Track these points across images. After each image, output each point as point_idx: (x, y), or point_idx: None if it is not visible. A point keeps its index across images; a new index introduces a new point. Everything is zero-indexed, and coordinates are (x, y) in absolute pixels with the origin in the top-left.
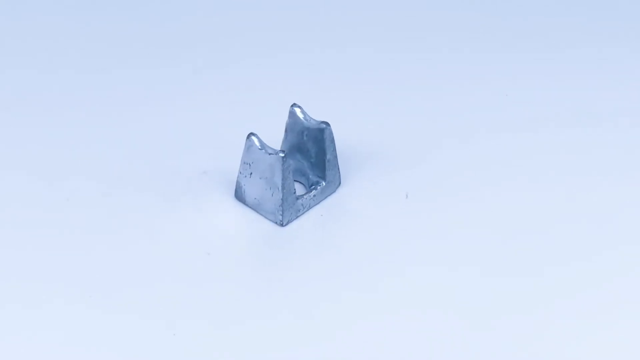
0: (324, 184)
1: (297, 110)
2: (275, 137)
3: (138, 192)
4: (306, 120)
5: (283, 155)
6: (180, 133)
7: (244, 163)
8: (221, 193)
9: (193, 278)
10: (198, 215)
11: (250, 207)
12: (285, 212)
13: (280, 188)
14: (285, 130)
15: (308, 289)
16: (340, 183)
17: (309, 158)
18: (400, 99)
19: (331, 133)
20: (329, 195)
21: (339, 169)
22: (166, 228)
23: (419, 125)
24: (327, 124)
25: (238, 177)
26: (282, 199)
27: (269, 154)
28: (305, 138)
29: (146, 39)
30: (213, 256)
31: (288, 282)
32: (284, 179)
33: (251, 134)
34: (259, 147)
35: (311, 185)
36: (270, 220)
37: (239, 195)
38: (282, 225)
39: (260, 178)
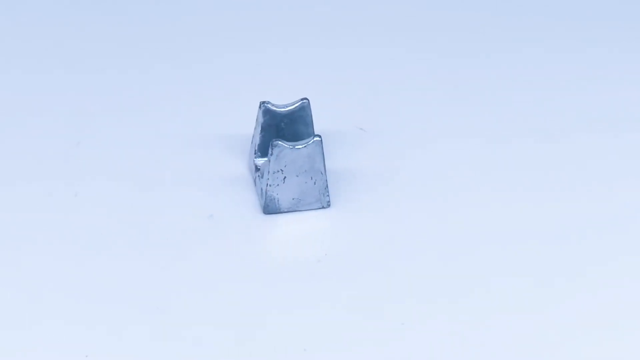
0: None
1: (270, 106)
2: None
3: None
4: (282, 108)
5: (320, 137)
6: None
7: (274, 173)
8: (248, 209)
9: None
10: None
11: (285, 212)
12: (328, 191)
13: (323, 171)
14: (262, 129)
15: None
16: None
17: (295, 140)
18: (399, 100)
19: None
20: None
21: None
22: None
23: (419, 125)
24: (304, 99)
25: (267, 192)
26: (326, 180)
27: (304, 146)
28: (284, 126)
29: (143, 37)
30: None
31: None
32: (324, 160)
33: (275, 140)
34: (290, 147)
35: None
36: (313, 209)
37: (272, 208)
38: (328, 206)
39: (297, 176)
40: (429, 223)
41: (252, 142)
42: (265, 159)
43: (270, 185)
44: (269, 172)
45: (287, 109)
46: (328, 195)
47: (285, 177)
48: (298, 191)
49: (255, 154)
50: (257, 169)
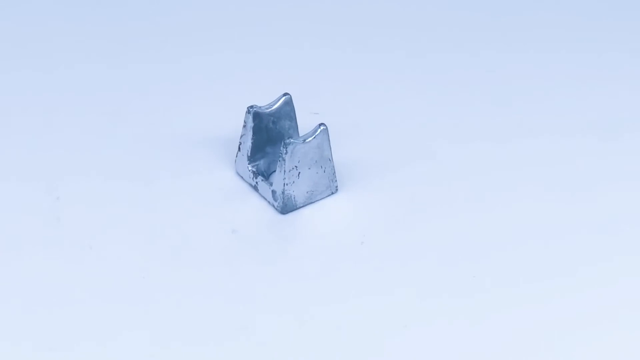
0: None
1: (258, 109)
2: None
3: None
4: (268, 108)
5: (325, 125)
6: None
7: (290, 171)
8: (262, 214)
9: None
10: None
11: (301, 207)
12: (336, 176)
13: (331, 158)
14: (253, 134)
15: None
16: None
17: (282, 138)
18: (398, 100)
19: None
20: None
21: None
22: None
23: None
24: (286, 93)
25: (285, 191)
26: (333, 165)
27: (314, 137)
28: (272, 125)
29: (138, 36)
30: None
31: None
32: (330, 146)
33: (287, 139)
34: (302, 142)
35: None
36: (324, 197)
37: (290, 206)
38: (336, 191)
39: (309, 168)
40: (436, 197)
41: (240, 149)
42: (256, 162)
43: (287, 184)
44: (284, 171)
45: (273, 107)
46: (336, 181)
47: (299, 173)
48: (311, 183)
49: (248, 159)
50: (256, 174)
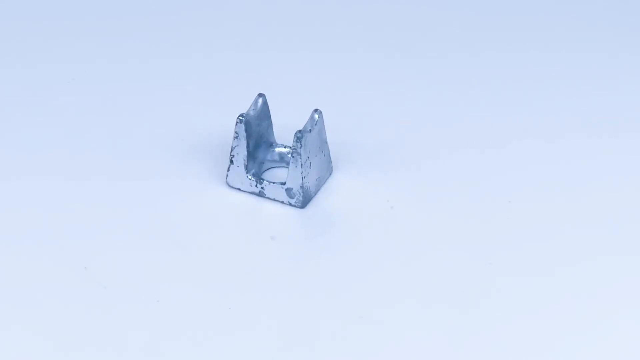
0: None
1: (247, 117)
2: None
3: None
4: (253, 111)
5: (318, 111)
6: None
7: (305, 162)
8: (282, 215)
9: None
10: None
11: (314, 196)
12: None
13: (326, 139)
14: (247, 142)
15: None
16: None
17: (263, 139)
18: (397, 100)
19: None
20: None
21: None
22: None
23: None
24: (261, 94)
25: (302, 185)
26: (329, 146)
27: (316, 123)
28: (255, 127)
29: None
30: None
31: None
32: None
33: (298, 131)
34: (309, 131)
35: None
36: (326, 180)
37: (307, 198)
38: (332, 171)
39: (316, 156)
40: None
41: (233, 162)
42: (252, 169)
43: (304, 177)
44: (301, 164)
45: (256, 110)
46: (331, 161)
47: (311, 162)
48: (318, 170)
49: (246, 168)
50: (260, 179)
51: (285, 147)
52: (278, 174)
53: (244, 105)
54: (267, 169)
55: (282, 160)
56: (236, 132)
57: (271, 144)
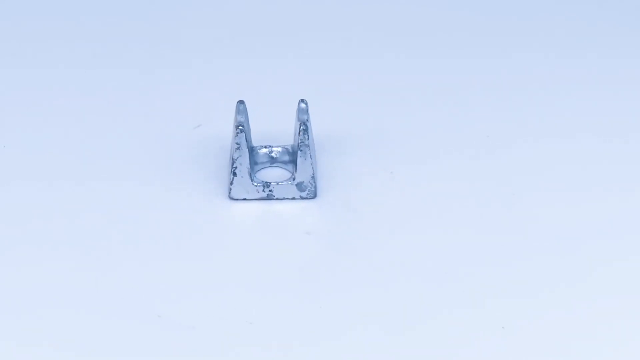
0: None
1: (243, 126)
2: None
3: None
4: (241, 118)
5: (304, 100)
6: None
7: (313, 154)
8: (299, 211)
9: None
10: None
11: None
12: None
13: (311, 127)
14: (248, 148)
15: None
16: None
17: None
18: (395, 101)
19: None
20: None
21: None
22: None
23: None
24: (240, 101)
25: (313, 176)
26: None
27: (306, 113)
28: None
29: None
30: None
31: None
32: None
33: (303, 123)
34: (307, 119)
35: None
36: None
37: (316, 187)
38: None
39: (312, 144)
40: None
41: (236, 173)
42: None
43: (314, 167)
44: (311, 156)
45: (243, 115)
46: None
47: (311, 155)
48: (314, 157)
49: (250, 176)
50: (266, 182)
51: (266, 148)
52: (270, 174)
53: (217, 114)
54: (256, 172)
55: (275, 160)
56: (237, 143)
57: (253, 148)
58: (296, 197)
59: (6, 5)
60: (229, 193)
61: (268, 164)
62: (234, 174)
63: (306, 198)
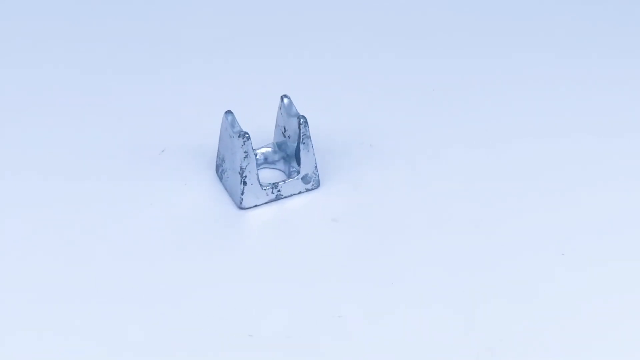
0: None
1: (248, 134)
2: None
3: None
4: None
5: (287, 95)
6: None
7: (313, 145)
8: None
9: None
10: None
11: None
12: None
13: None
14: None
15: None
16: None
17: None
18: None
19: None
20: None
21: None
22: None
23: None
24: (228, 111)
25: (317, 165)
26: None
27: (293, 107)
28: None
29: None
30: None
31: None
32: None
33: (302, 116)
34: (297, 112)
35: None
36: None
37: (319, 177)
38: None
39: None
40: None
41: (246, 182)
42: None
43: (316, 157)
44: (312, 146)
45: (236, 123)
46: None
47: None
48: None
49: (259, 182)
50: (274, 183)
51: (259, 148)
52: (266, 175)
53: (206, 120)
54: None
55: (266, 161)
56: (245, 152)
57: None
58: (302, 191)
59: (6, 5)
60: (240, 203)
61: (262, 165)
62: (244, 183)
63: (311, 189)
